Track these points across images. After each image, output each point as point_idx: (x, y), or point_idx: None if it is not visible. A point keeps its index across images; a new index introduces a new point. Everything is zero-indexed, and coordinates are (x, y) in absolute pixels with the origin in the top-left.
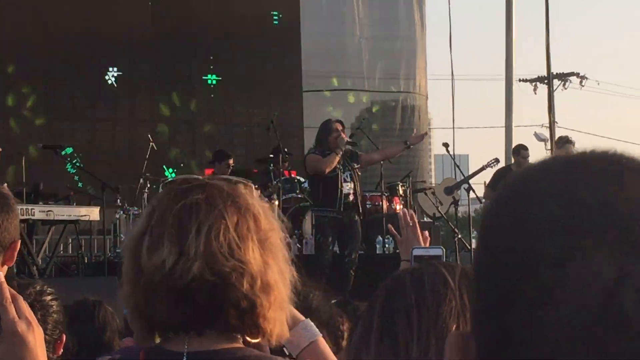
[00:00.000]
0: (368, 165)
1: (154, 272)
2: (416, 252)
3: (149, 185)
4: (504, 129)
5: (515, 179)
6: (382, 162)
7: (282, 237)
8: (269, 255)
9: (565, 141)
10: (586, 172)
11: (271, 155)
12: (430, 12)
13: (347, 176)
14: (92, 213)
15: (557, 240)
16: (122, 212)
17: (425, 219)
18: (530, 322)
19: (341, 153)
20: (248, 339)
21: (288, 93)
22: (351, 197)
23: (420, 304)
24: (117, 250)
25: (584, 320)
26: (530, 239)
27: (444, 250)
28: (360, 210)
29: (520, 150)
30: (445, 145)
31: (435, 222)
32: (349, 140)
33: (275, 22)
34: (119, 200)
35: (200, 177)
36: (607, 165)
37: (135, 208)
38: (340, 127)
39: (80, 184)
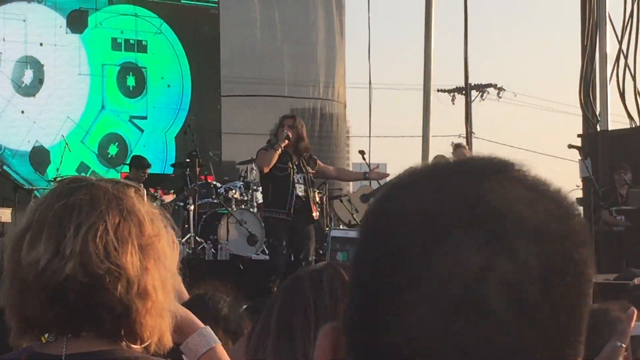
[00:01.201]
0: (321, 176)
1: (29, 270)
2: (334, 233)
3: None
4: (421, 138)
5: (393, 183)
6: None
7: (170, 244)
8: (149, 261)
9: (457, 146)
10: (465, 173)
11: (187, 160)
12: (349, 19)
13: (300, 178)
14: (4, 214)
15: (425, 231)
16: None
17: (341, 226)
18: (397, 308)
19: (280, 149)
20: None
21: (206, 98)
22: (304, 200)
23: (318, 303)
24: None
25: (447, 307)
26: (400, 231)
27: None
28: (315, 215)
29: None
30: (362, 152)
31: (351, 230)
32: (289, 135)
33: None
34: (32, 203)
35: (90, 178)
36: (491, 170)
37: None
38: (290, 122)
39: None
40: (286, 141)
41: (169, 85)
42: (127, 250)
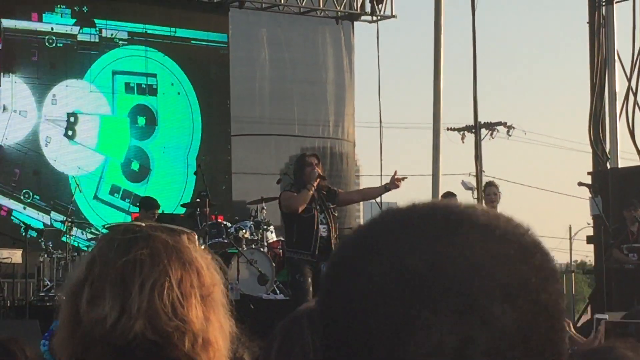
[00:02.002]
0: (347, 204)
1: (94, 326)
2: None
3: (73, 229)
4: (431, 177)
5: (351, 240)
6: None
7: (223, 290)
8: (210, 311)
9: (488, 184)
10: (415, 231)
11: (197, 200)
12: (359, 59)
13: (323, 218)
14: (15, 256)
15: (394, 314)
16: (45, 255)
17: None
18: None
19: (313, 189)
20: None
21: (217, 137)
22: (327, 240)
23: (316, 344)
24: (41, 294)
25: None
26: (368, 312)
27: None
28: None
29: (448, 197)
30: None
31: None
32: (320, 174)
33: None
34: (42, 244)
35: (143, 226)
36: (439, 222)
37: (60, 251)
38: (315, 161)
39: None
40: (318, 180)
41: (179, 125)
42: (192, 304)
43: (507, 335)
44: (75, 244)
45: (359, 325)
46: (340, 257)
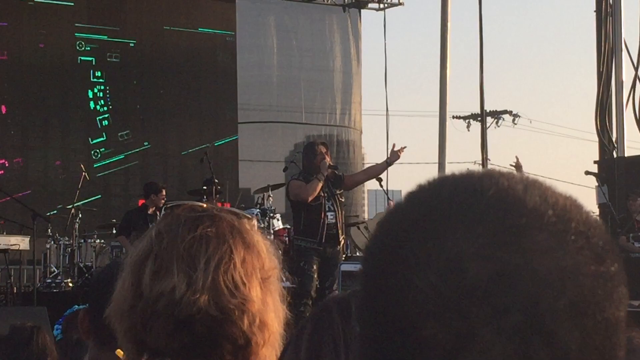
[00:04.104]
0: (353, 187)
1: (159, 299)
2: (344, 267)
3: (80, 216)
4: (437, 165)
5: (396, 227)
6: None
7: (279, 276)
8: (267, 294)
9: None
10: (477, 228)
11: (204, 187)
12: (366, 46)
13: (331, 205)
14: (22, 242)
15: (449, 328)
16: (52, 242)
17: (357, 253)
18: None
19: (324, 178)
20: None
21: (224, 124)
22: (334, 227)
23: (347, 334)
24: (47, 281)
25: None
26: (417, 320)
27: None
28: (341, 239)
29: None
30: (379, 180)
31: None
32: (331, 164)
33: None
34: (49, 230)
35: (210, 208)
36: (505, 217)
37: (66, 238)
38: (324, 150)
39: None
40: (329, 170)
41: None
42: (253, 284)
43: (569, 356)
44: None
45: (406, 336)
46: (382, 248)
